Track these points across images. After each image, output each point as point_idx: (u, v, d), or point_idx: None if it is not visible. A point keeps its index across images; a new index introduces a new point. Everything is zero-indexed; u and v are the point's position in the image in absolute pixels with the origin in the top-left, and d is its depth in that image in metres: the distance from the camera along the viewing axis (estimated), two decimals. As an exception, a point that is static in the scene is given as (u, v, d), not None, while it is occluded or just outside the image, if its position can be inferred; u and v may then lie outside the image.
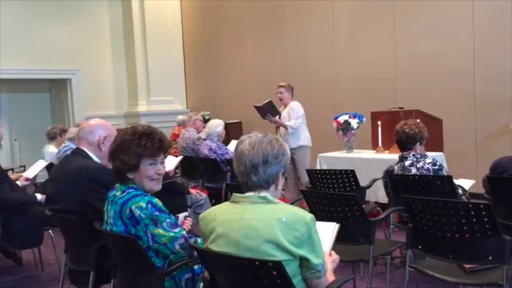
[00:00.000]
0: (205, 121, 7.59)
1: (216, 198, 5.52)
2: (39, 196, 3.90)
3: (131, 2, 10.19)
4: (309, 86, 7.96)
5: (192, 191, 4.81)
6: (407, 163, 3.49)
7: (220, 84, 10.02)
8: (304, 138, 5.84)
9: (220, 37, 9.93)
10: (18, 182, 4.32)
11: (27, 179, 4.59)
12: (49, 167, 5.21)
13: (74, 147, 4.92)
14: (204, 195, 4.88)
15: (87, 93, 10.04)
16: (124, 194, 2.18)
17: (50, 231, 4.00)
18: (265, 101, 5.80)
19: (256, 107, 5.85)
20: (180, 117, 8.68)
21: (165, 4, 10.41)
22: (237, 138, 6.95)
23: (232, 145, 6.40)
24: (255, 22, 9.07)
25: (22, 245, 4.11)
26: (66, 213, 2.75)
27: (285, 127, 5.73)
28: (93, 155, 2.90)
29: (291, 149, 5.57)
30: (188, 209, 4.42)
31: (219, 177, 5.53)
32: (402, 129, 3.51)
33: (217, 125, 5.75)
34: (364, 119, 5.52)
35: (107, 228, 2.27)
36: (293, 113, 5.77)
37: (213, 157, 5.63)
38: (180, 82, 10.89)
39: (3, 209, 3.73)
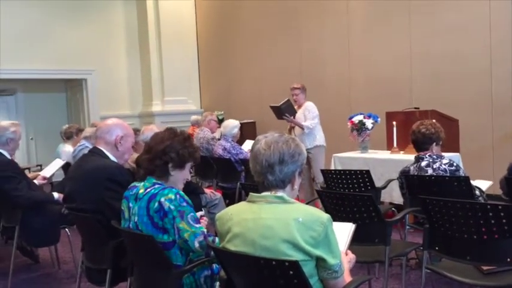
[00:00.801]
0: (220, 121, 7.61)
1: (230, 198, 5.53)
2: (56, 195, 3.94)
3: (146, 1, 10.24)
4: (324, 86, 7.94)
5: (207, 190, 4.83)
6: (423, 164, 3.46)
7: (234, 84, 10.04)
8: (320, 138, 5.88)
9: (234, 37, 9.95)
10: (35, 181, 4.37)
11: (44, 178, 4.64)
12: (65, 167, 5.27)
13: (90, 146, 4.99)
14: (218, 195, 4.90)
15: (102, 93, 10.13)
16: (149, 189, 2.24)
17: (67, 229, 4.03)
18: (283, 101, 5.78)
19: (273, 107, 5.84)
20: (194, 117, 8.72)
21: (179, 4, 10.45)
22: (251, 138, 6.99)
23: (247, 145, 6.40)
24: (270, 22, 9.06)
25: (39, 243, 4.16)
26: (83, 212, 2.78)
27: (302, 127, 5.74)
28: (110, 154, 2.93)
29: (307, 149, 5.55)
30: (202, 209, 4.44)
31: (233, 177, 5.54)
32: (418, 129, 3.48)
33: (233, 126, 5.74)
34: (379, 119, 5.49)
35: (126, 225, 2.30)
36: (309, 114, 5.79)
37: (227, 157, 5.64)
38: (194, 82, 10.93)
39: (21, 207, 3.78)
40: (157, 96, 10.41)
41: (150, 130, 4.73)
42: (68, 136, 6.26)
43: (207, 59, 10.81)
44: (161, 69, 10.36)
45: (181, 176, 2.36)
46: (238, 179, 5.45)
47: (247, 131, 8.52)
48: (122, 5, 10.49)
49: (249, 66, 9.61)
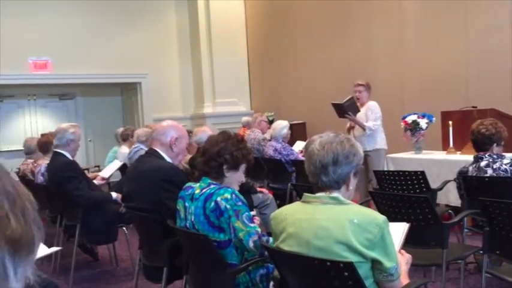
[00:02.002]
0: (270, 122, 7.63)
1: (281, 198, 5.54)
2: (114, 194, 4.09)
3: (197, 4, 10.42)
4: (375, 85, 7.75)
5: (260, 190, 4.86)
6: (482, 164, 3.33)
7: (284, 85, 10.04)
8: (381, 140, 5.56)
9: (284, 38, 9.95)
10: (94, 181, 4.55)
11: (103, 178, 4.83)
12: (121, 168, 5.46)
13: (144, 148, 5.15)
14: (270, 195, 4.92)
15: (155, 95, 10.40)
16: (205, 189, 2.29)
17: (124, 228, 4.17)
18: (347, 98, 5.50)
19: (335, 104, 5.55)
20: (245, 119, 8.79)
21: (229, 5, 10.55)
22: (301, 139, 6.97)
23: (297, 146, 6.39)
24: (320, 22, 9.01)
25: (98, 240, 4.33)
26: (140, 211, 2.87)
27: (363, 128, 5.45)
28: (165, 155, 3.00)
29: (366, 151, 5.27)
30: (254, 209, 4.47)
31: (284, 178, 5.54)
32: (478, 129, 3.36)
33: (282, 127, 5.76)
34: (433, 118, 5.32)
35: (182, 224, 2.36)
36: (371, 114, 5.49)
37: (278, 158, 5.65)
38: (244, 83, 11.02)
39: (82, 206, 3.95)
40: (208, 98, 10.57)
41: (203, 131, 4.83)
42: (124, 138, 6.48)
43: (256, 60, 10.88)
44: (212, 71, 10.51)
45: (236, 177, 2.39)
46: (289, 179, 5.45)
47: (297, 131, 8.50)
48: (174, 9, 10.72)
49: (299, 67, 9.59)
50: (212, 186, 2.31)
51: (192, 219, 2.31)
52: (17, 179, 5.96)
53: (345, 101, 5.47)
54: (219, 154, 2.34)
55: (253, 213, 2.71)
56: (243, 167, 2.42)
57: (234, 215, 2.20)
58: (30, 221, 0.61)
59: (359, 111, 5.54)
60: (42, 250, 2.79)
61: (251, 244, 2.18)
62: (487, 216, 2.52)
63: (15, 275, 0.60)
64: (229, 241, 2.22)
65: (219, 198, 2.22)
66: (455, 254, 2.86)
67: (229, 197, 2.23)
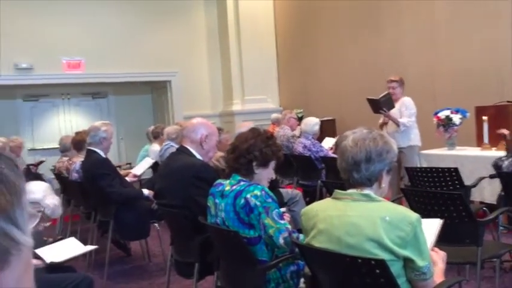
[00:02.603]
0: (299, 119, 7.61)
1: (311, 195, 5.52)
2: (146, 191, 4.16)
3: (226, 1, 10.46)
4: (406, 81, 7.64)
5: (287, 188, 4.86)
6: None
7: (313, 82, 9.99)
8: (415, 137, 5.44)
9: (312, 34, 9.89)
10: (127, 178, 4.63)
11: (135, 176, 4.91)
12: (152, 165, 5.54)
13: (175, 145, 5.21)
14: (298, 192, 4.91)
15: (185, 93, 10.51)
16: (235, 186, 2.30)
17: (156, 224, 4.23)
18: (383, 94, 5.43)
19: (370, 100, 5.48)
20: (274, 116, 8.79)
21: (258, 2, 10.54)
22: (330, 136, 6.93)
23: (326, 142, 6.36)
24: (349, 17, 8.91)
25: (131, 236, 4.41)
26: (171, 208, 2.91)
27: (397, 124, 5.35)
28: (195, 152, 3.04)
29: (400, 148, 5.16)
30: (284, 206, 4.47)
31: (314, 175, 5.52)
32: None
33: (314, 123, 5.73)
34: (467, 114, 5.20)
35: (212, 221, 2.39)
36: (406, 110, 5.39)
37: (307, 154, 5.63)
38: (273, 80, 11.01)
39: (115, 203, 4.03)
40: (237, 95, 10.61)
41: (247, 127, 4.84)
42: (154, 136, 6.57)
43: (285, 57, 10.85)
44: (241, 69, 10.54)
45: (266, 174, 2.40)
46: (318, 176, 5.43)
47: (327, 128, 8.44)
48: (203, 7, 10.79)
49: (328, 64, 9.52)
50: (242, 183, 2.32)
51: (223, 216, 2.33)
52: (52, 176, 6.15)
53: (380, 96, 5.39)
54: (248, 151, 2.35)
55: (283, 209, 2.71)
56: (272, 164, 2.42)
57: (264, 212, 2.21)
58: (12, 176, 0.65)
59: (394, 107, 5.44)
60: (79, 248, 2.87)
61: (281, 241, 2.18)
62: (523, 214, 2.45)
63: (19, 229, 0.64)
64: (259, 238, 2.23)
65: (248, 195, 2.23)
66: (490, 252, 2.80)
67: (259, 194, 2.23)
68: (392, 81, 5.56)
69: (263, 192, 2.25)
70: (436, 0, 7.32)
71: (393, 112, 5.42)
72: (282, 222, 2.23)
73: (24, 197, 0.68)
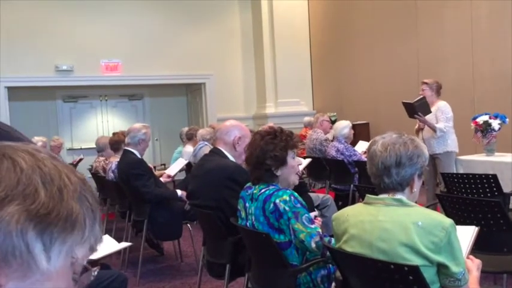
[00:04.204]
0: (332, 122, 7.56)
1: (344, 200, 5.48)
2: (179, 192, 4.23)
3: (261, 5, 10.50)
4: (444, 85, 7.49)
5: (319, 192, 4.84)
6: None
7: (347, 85, 9.91)
8: (452, 143, 5.23)
9: (347, 37, 9.82)
10: (161, 179, 4.71)
11: (169, 176, 4.99)
12: (185, 166, 5.62)
13: (208, 144, 5.27)
14: (329, 196, 4.87)
15: (219, 96, 10.60)
16: (264, 190, 2.30)
17: (188, 225, 4.29)
18: (418, 97, 5.28)
19: (405, 104, 5.36)
20: (307, 119, 8.76)
21: (293, 5, 10.55)
22: (364, 140, 6.85)
23: (360, 146, 6.29)
24: (385, 20, 8.80)
25: (164, 236, 4.48)
26: (204, 209, 2.95)
27: (434, 129, 5.17)
28: (228, 154, 3.06)
29: (436, 154, 5.16)
30: (315, 209, 4.45)
31: (347, 179, 5.48)
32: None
33: (343, 126, 5.69)
34: (507, 119, 5.05)
35: (243, 223, 2.40)
36: (442, 115, 5.21)
37: (340, 158, 5.59)
38: (307, 83, 10.98)
39: (149, 202, 4.11)
40: (270, 98, 10.62)
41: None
42: (188, 137, 6.67)
43: (319, 60, 10.81)
44: (274, 72, 10.56)
45: (288, 171, 2.35)
46: (351, 180, 5.37)
47: (361, 132, 8.36)
48: (238, 10, 10.87)
49: (363, 67, 9.42)
50: (271, 187, 2.32)
51: (253, 220, 2.34)
52: (89, 175, 6.31)
53: (415, 100, 5.24)
54: (259, 162, 2.32)
55: (315, 213, 2.70)
56: (290, 156, 2.36)
57: (294, 217, 2.20)
58: (71, 200, 0.59)
59: (430, 112, 5.26)
60: (114, 246, 2.94)
61: (313, 245, 2.17)
62: None
63: (46, 253, 0.57)
64: (289, 242, 2.23)
65: (277, 200, 2.23)
66: (529, 262, 2.71)
67: (287, 199, 2.22)
68: (424, 83, 5.40)
69: (292, 197, 2.23)
70: (475, 7, 7.15)
71: (429, 117, 5.25)
72: (313, 226, 2.21)
73: (88, 231, 0.61)
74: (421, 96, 5.29)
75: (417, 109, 5.18)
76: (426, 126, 5.26)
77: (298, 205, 2.22)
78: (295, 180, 2.39)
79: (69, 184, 0.61)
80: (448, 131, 5.20)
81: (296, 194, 2.29)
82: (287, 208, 2.20)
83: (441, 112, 5.25)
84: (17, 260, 0.56)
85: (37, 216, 0.57)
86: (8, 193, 0.57)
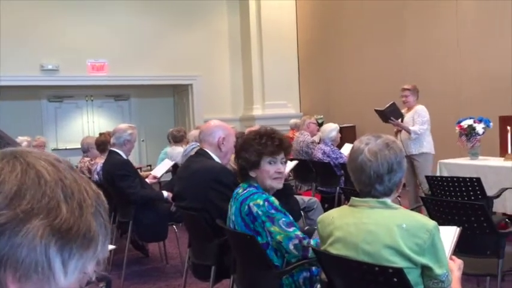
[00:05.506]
0: (319, 125, 7.59)
1: (330, 202, 5.50)
2: (165, 193, 4.20)
3: (248, 7, 10.50)
4: (430, 88, 7.56)
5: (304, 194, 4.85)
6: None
7: (334, 88, 9.96)
8: (427, 144, 5.48)
9: (334, 39, 9.87)
10: (147, 180, 4.68)
11: (154, 177, 4.96)
12: (172, 167, 5.59)
13: (199, 146, 5.24)
14: (315, 199, 4.88)
15: (206, 97, 10.57)
16: (244, 191, 2.31)
17: (174, 226, 4.27)
18: (388, 104, 5.53)
19: (378, 111, 5.60)
20: (293, 121, 8.77)
21: (280, 5, 10.56)
22: (350, 142, 6.84)
23: (346, 149, 6.31)
24: (372, 23, 8.87)
25: (149, 238, 4.45)
26: (190, 210, 2.93)
27: (408, 132, 5.41)
28: (214, 155, 3.05)
29: (413, 156, 5.38)
30: (301, 213, 4.45)
31: (333, 181, 5.50)
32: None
33: (331, 129, 5.72)
34: (491, 123, 5.11)
35: (230, 225, 2.40)
36: (418, 118, 5.44)
37: (326, 161, 5.61)
38: (294, 86, 11.01)
39: (134, 204, 4.07)
40: (258, 100, 10.63)
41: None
42: (175, 139, 6.63)
43: (307, 62, 10.85)
44: (262, 74, 10.57)
45: (264, 173, 2.30)
46: (337, 183, 5.40)
47: (347, 135, 8.40)
48: (226, 11, 10.86)
49: (350, 69, 9.48)
50: (251, 188, 2.30)
51: (233, 220, 2.34)
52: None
53: (386, 107, 5.51)
54: (237, 158, 2.36)
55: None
56: (266, 161, 2.29)
57: (268, 221, 2.19)
58: (89, 215, 0.59)
59: (402, 115, 5.54)
60: None
61: (291, 247, 2.16)
62: (547, 226, 2.40)
63: (64, 269, 0.57)
64: (267, 244, 2.22)
65: (251, 203, 2.22)
66: (511, 264, 2.75)
67: (261, 203, 2.20)
68: (405, 89, 5.63)
69: (266, 202, 2.21)
70: (461, 11, 7.24)
71: (406, 120, 5.52)
72: (291, 229, 2.18)
73: (100, 247, 0.61)
74: (391, 102, 5.54)
75: (389, 115, 5.46)
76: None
77: (273, 210, 2.19)
78: (272, 185, 2.32)
79: (88, 198, 0.61)
80: (423, 133, 5.42)
81: (272, 199, 2.24)
82: (260, 212, 2.19)
83: (418, 115, 5.48)
84: (39, 276, 0.55)
85: (59, 232, 0.56)
86: (33, 206, 0.56)
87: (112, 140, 4.29)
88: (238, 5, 10.85)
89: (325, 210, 4.54)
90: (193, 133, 5.94)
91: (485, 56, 6.91)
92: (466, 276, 2.70)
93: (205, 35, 10.55)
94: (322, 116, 9.65)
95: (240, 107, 11.03)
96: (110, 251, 3.76)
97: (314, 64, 10.56)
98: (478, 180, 3.78)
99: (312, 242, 2.14)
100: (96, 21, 9.60)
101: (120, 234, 4.77)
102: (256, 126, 5.37)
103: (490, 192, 4.10)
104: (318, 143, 6.24)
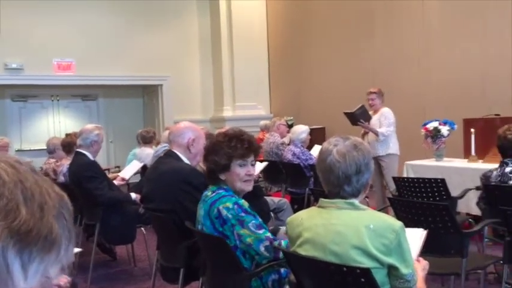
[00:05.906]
0: (289, 126, 7.63)
1: (299, 203, 5.53)
2: (133, 195, 4.14)
3: (219, 8, 10.46)
4: (397, 90, 7.71)
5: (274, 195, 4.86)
6: (507, 169, 3.27)
7: (304, 90, 10.03)
8: (394, 146, 5.64)
9: (305, 41, 9.94)
10: (115, 182, 4.60)
11: (123, 179, 4.89)
12: (141, 169, 5.51)
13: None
14: (285, 200, 4.90)
15: (176, 98, 10.48)
16: (214, 194, 2.28)
17: (142, 228, 4.21)
18: (358, 106, 5.64)
19: (347, 114, 5.71)
20: (263, 122, 8.80)
21: (251, 6, 10.56)
22: (320, 144, 6.92)
23: (316, 150, 6.37)
24: (342, 25, 8.97)
25: (117, 240, 4.38)
26: (159, 212, 2.90)
27: (376, 133, 5.54)
28: (183, 156, 3.02)
29: (380, 157, 5.51)
30: (271, 214, 4.47)
31: (302, 182, 5.54)
32: (505, 134, 3.30)
33: (302, 131, 5.76)
34: (455, 126, 5.25)
35: (199, 227, 2.38)
36: (385, 120, 5.59)
37: (296, 162, 5.65)
38: (264, 87, 11.04)
39: (102, 206, 4.00)
40: (228, 101, 10.62)
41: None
42: (144, 140, 6.55)
43: (277, 64, 10.89)
44: (232, 75, 10.56)
45: (232, 177, 2.28)
46: (307, 184, 5.44)
47: (317, 136, 8.47)
48: (196, 11, 10.79)
49: (320, 71, 9.57)
50: (220, 191, 2.28)
51: (202, 222, 2.32)
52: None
53: (355, 109, 5.62)
54: (206, 161, 2.34)
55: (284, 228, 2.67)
56: (236, 163, 2.27)
57: (238, 224, 2.18)
58: (51, 217, 0.58)
59: (371, 118, 5.67)
60: None
61: (262, 248, 2.16)
62: (508, 226, 2.47)
63: (24, 272, 0.55)
64: (235, 247, 2.21)
65: (221, 207, 2.20)
66: (474, 264, 2.82)
67: (230, 206, 2.19)
68: (371, 93, 5.77)
69: (236, 205, 2.19)
70: (427, 15, 7.40)
71: (373, 122, 5.65)
72: (261, 231, 2.18)
73: (63, 250, 0.59)
74: (361, 105, 5.68)
75: (359, 117, 5.58)
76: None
77: (242, 213, 2.18)
78: (243, 187, 2.31)
79: (49, 200, 0.59)
80: (389, 135, 5.57)
81: (242, 202, 2.23)
82: (230, 215, 2.18)
83: (384, 117, 5.62)
84: None
85: (18, 234, 0.54)
86: None
87: (78, 141, 4.20)
88: (208, 5, 10.81)
89: (295, 211, 4.55)
90: (166, 134, 5.87)
91: (451, 59, 7.09)
92: (431, 276, 2.76)
93: (175, 35, 10.47)
94: (292, 118, 9.70)
95: (210, 108, 10.99)
96: (76, 254, 3.68)
97: (284, 66, 10.62)
98: (443, 181, 3.87)
99: (283, 243, 2.14)
100: (64, 20, 9.39)
101: (86, 237, 4.67)
102: (225, 128, 5.36)
103: (454, 192, 4.20)
104: (288, 145, 6.27)
